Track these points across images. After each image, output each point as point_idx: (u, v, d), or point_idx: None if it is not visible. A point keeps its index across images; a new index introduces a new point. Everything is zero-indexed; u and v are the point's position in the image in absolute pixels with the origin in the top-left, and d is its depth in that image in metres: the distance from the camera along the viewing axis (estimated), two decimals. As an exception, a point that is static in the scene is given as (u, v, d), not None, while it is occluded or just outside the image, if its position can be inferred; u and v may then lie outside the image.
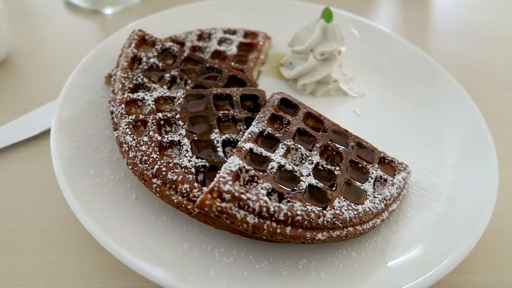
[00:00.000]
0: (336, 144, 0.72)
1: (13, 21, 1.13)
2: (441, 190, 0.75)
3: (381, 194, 0.68)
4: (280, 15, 1.11)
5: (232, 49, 0.95)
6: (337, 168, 0.68)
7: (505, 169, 0.85)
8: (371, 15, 1.36)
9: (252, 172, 0.60)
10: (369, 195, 0.67)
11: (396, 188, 0.70)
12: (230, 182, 0.56)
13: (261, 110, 0.73)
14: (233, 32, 1.02)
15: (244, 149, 0.63)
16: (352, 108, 0.93)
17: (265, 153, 0.64)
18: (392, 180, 0.71)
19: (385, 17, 1.37)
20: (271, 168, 0.62)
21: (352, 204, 0.64)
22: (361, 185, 0.68)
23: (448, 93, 0.92)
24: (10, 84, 0.96)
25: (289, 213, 0.57)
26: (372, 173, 0.70)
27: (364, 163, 0.71)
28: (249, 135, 0.66)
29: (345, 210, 0.62)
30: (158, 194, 0.64)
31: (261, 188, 0.58)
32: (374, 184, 0.70)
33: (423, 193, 0.75)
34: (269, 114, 0.71)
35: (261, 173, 0.61)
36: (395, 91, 0.97)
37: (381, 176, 0.71)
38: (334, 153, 0.71)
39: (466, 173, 0.77)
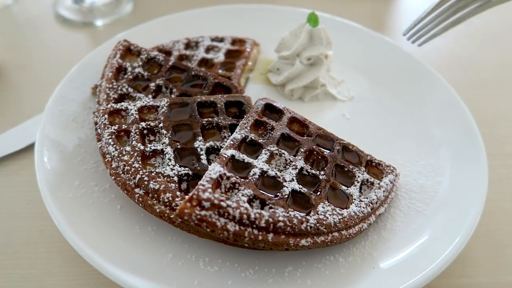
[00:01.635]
0: (321, 149, 0.71)
1: (3, 34, 1.14)
2: (430, 192, 0.74)
3: (367, 198, 0.67)
4: (270, 22, 1.11)
5: (220, 57, 0.95)
6: (322, 172, 0.67)
7: (496, 168, 0.84)
8: (357, 17, 1.36)
9: (233, 179, 0.59)
10: (354, 199, 0.66)
11: (383, 191, 0.69)
12: (210, 190, 0.55)
13: (245, 116, 0.72)
14: (221, 40, 1.02)
15: (226, 156, 0.62)
16: (341, 112, 0.92)
17: (247, 159, 0.64)
18: (379, 183, 0.70)
19: (372, 18, 1.37)
20: (253, 175, 0.62)
21: (337, 209, 0.63)
22: (347, 189, 0.67)
23: (437, 93, 0.91)
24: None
25: (270, 220, 0.56)
26: (359, 176, 0.70)
27: (350, 166, 0.71)
28: (231, 142, 0.65)
29: (330, 215, 0.61)
30: (141, 204, 0.64)
31: (242, 195, 0.58)
32: (360, 188, 0.69)
33: (412, 195, 0.74)
34: (253, 120, 0.71)
35: (242, 179, 0.61)
36: (384, 93, 0.96)
37: (367, 180, 0.70)
38: (319, 157, 0.70)
39: (456, 174, 0.76)
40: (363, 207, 0.65)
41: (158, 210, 0.62)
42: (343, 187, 0.67)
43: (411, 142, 0.85)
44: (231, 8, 1.14)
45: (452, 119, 0.85)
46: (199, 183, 0.57)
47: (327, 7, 1.33)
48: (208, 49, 0.98)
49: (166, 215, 0.61)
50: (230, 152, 0.63)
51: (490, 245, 0.74)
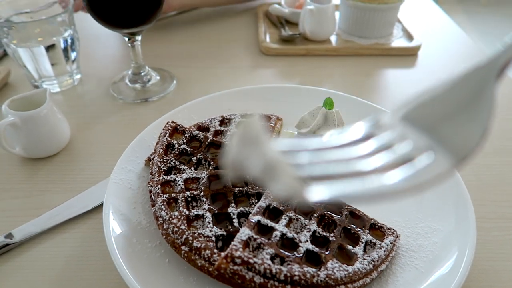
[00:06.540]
0: (331, 214, 0.86)
1: (72, 113, 1.39)
2: (427, 251, 0.86)
3: (369, 256, 0.80)
4: (292, 99, 1.30)
5: (249, 132, 1.14)
6: (332, 234, 0.82)
7: (490, 230, 0.96)
8: (381, 95, 1.54)
9: (259, 240, 0.75)
10: (359, 257, 0.80)
11: (384, 251, 0.83)
12: (241, 249, 0.72)
13: (269, 186, 0.89)
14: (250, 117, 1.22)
15: (253, 221, 0.79)
16: (352, 178, 1.07)
17: (270, 224, 0.80)
18: (380, 244, 0.84)
19: (386, 95, 1.55)
20: (275, 237, 0.77)
21: (344, 265, 0.77)
22: (352, 249, 0.81)
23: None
24: (70, 166, 1.18)
25: (288, 274, 0.71)
26: (363, 238, 0.84)
27: (356, 229, 0.85)
28: (257, 209, 0.82)
29: (337, 270, 0.75)
30: (186, 259, 0.80)
31: (266, 254, 0.73)
32: (365, 248, 0.83)
33: (411, 254, 0.87)
34: (275, 191, 0.87)
35: (266, 240, 0.76)
36: (390, 162, 1.11)
37: (371, 241, 0.84)
38: (330, 221, 0.85)
39: (448, 236, 0.88)
40: (366, 264, 0.79)
41: (199, 264, 0.78)
42: (349, 247, 0.81)
43: (412, 206, 0.98)
44: (258, 88, 1.35)
45: (447, 186, 0.98)
46: (232, 243, 0.73)
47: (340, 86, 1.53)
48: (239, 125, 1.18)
49: (205, 268, 0.77)
50: (256, 218, 0.79)
51: (482, 300, 0.85)
